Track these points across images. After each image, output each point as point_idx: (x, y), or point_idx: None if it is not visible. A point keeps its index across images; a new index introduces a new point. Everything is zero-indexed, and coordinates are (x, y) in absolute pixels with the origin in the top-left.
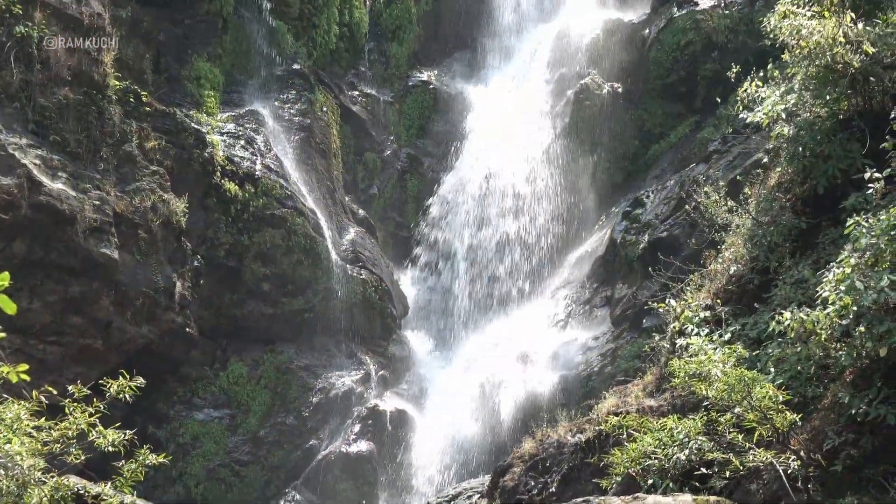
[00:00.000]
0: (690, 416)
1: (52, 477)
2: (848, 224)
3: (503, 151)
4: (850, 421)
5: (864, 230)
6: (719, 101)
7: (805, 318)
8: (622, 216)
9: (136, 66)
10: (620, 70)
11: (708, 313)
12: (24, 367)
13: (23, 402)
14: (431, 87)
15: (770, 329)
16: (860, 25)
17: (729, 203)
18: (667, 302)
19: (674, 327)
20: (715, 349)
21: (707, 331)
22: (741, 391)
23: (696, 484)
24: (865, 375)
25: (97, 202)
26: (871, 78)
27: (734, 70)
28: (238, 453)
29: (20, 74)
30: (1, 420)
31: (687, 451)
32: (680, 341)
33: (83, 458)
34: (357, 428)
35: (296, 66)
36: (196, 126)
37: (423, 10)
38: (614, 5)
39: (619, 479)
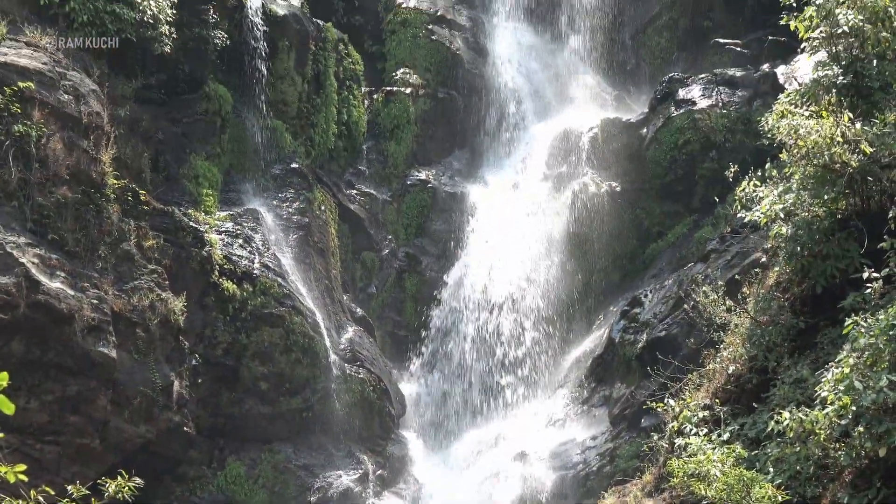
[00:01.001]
0: None
1: None
2: (847, 324)
3: (502, 251)
4: None
5: (862, 330)
6: (717, 200)
7: (804, 417)
8: (620, 315)
9: (134, 164)
10: (619, 169)
11: (707, 413)
12: (22, 467)
13: (20, 503)
14: (430, 185)
15: (769, 429)
16: (858, 125)
17: (727, 302)
18: (665, 401)
19: (672, 427)
20: (714, 449)
21: (706, 430)
22: (740, 491)
23: None
24: (865, 476)
25: (95, 301)
26: (869, 178)
27: (732, 169)
28: None
29: (18, 173)
30: None
31: None
32: (679, 441)
33: None
34: None
35: (294, 165)
36: (194, 225)
37: (421, 109)
38: (612, 104)
39: None
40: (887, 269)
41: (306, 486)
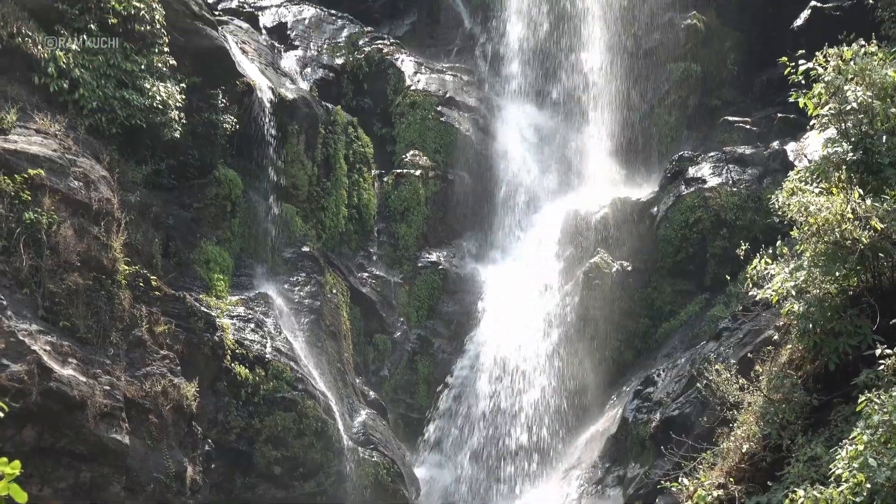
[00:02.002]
0: None
1: None
2: (860, 401)
3: (514, 331)
4: None
5: (876, 407)
6: (729, 278)
7: (819, 495)
8: (633, 395)
9: (145, 250)
10: (630, 248)
11: (721, 492)
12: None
13: None
14: (441, 267)
15: None
16: (868, 201)
17: (740, 381)
18: (679, 481)
19: None
20: None
21: None
22: None
23: None
24: None
25: (107, 387)
26: (881, 254)
27: (743, 247)
28: None
29: (30, 260)
30: None
31: None
32: None
33: None
34: None
35: (305, 249)
36: (206, 310)
37: (431, 190)
38: (623, 182)
39: None
40: None
41: None
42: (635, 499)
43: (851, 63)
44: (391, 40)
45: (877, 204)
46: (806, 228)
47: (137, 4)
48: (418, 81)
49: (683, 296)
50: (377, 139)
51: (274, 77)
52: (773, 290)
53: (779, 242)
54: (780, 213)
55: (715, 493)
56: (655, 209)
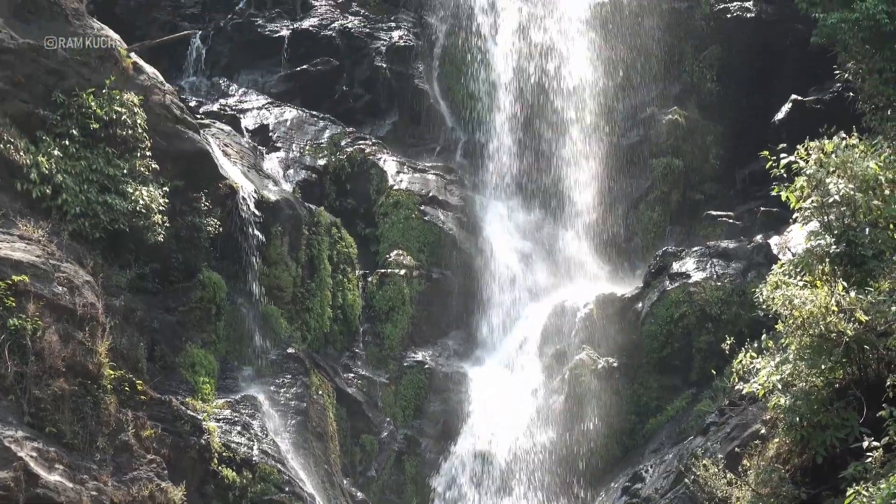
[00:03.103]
0: None
1: None
2: (848, 494)
3: (500, 430)
4: None
5: (864, 500)
6: (715, 372)
7: None
8: (622, 492)
9: (130, 354)
10: (615, 344)
11: None
12: None
13: None
14: (427, 367)
15: None
16: (853, 294)
17: (728, 476)
18: None
19: None
20: None
21: None
22: None
23: None
24: None
25: (94, 493)
26: (866, 346)
27: (728, 342)
28: None
29: (15, 367)
30: None
31: None
32: None
33: None
34: None
35: (290, 350)
36: (192, 413)
37: (415, 290)
38: (607, 278)
39: None
40: (887, 438)
41: None
42: None
43: (833, 156)
44: (373, 140)
45: (861, 296)
46: (791, 322)
47: (119, 109)
48: (401, 181)
49: (670, 391)
50: (361, 239)
51: (257, 179)
52: (760, 384)
53: (764, 336)
54: (764, 306)
55: None
56: (640, 305)
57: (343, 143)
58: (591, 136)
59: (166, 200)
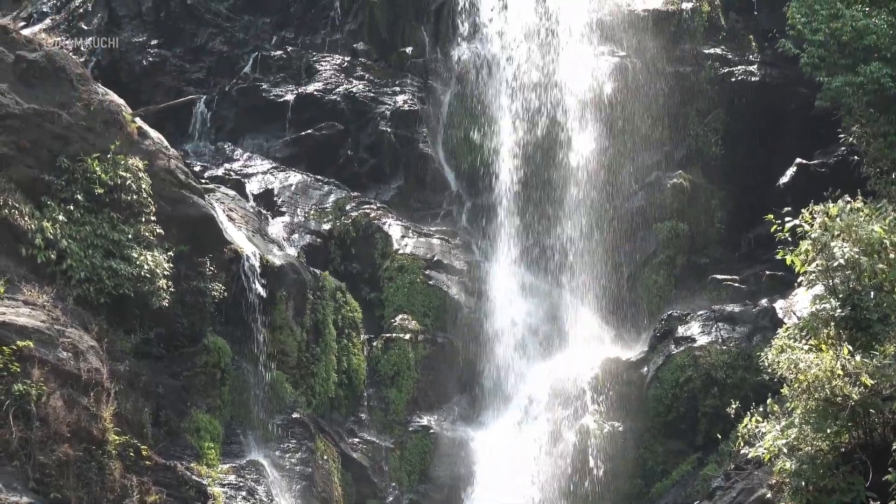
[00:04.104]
0: None
1: None
2: None
3: (506, 494)
4: None
5: None
6: (720, 437)
7: None
8: None
9: (135, 420)
10: (621, 409)
11: None
12: None
13: None
14: (432, 431)
15: None
16: (858, 358)
17: None
18: None
19: None
20: None
21: None
22: None
23: None
24: None
25: None
26: (871, 410)
27: (734, 406)
28: None
29: (19, 432)
30: None
31: None
32: None
33: None
34: None
35: (295, 415)
36: (197, 479)
37: (420, 354)
38: (612, 342)
39: None
40: (894, 502)
41: None
42: None
43: (838, 219)
44: (378, 204)
45: (866, 360)
46: (796, 385)
47: (124, 174)
48: (406, 245)
49: (675, 455)
50: (366, 303)
51: (261, 243)
52: (765, 448)
53: (769, 400)
54: (770, 370)
55: None
56: (645, 369)
57: (348, 207)
58: (597, 200)
59: (171, 265)
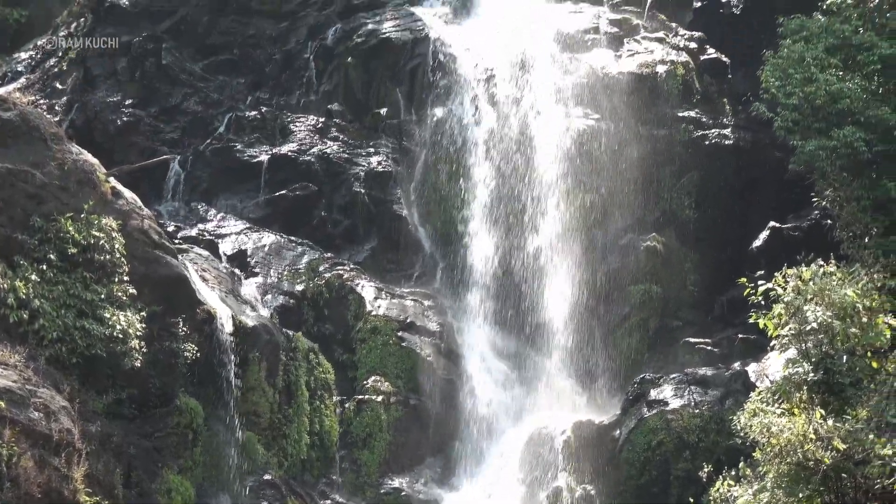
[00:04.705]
0: None
1: None
2: None
3: None
4: None
5: None
6: (692, 500)
7: None
8: None
9: (106, 480)
10: (593, 472)
11: None
12: None
13: None
14: (404, 493)
15: None
16: (830, 422)
17: None
18: None
19: None
20: None
21: None
22: None
23: None
24: None
25: None
26: (843, 474)
27: (706, 469)
28: None
29: None
30: None
31: None
32: None
33: None
34: None
35: (267, 477)
36: None
37: (393, 416)
38: (585, 404)
39: None
40: None
41: None
42: None
43: (811, 283)
44: (351, 266)
45: (839, 424)
46: (769, 449)
47: (97, 234)
48: (379, 307)
49: None
50: (338, 365)
51: (234, 304)
52: None
53: (742, 464)
54: (742, 434)
55: None
56: (618, 432)
57: (321, 268)
58: (570, 263)
59: (144, 325)
